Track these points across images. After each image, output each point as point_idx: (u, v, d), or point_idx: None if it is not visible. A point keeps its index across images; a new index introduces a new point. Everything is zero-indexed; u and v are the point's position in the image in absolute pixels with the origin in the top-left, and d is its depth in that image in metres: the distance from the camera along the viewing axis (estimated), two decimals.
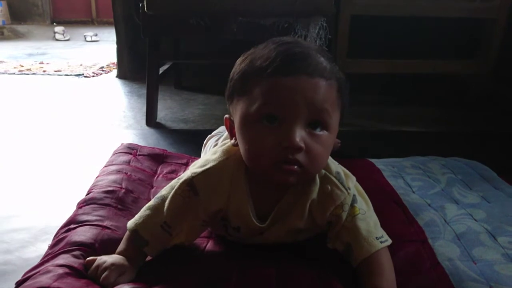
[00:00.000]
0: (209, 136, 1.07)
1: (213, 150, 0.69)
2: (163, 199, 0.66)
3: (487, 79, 1.89)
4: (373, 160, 1.12)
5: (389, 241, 0.66)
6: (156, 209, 0.66)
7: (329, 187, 0.64)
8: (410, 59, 1.89)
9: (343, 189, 0.64)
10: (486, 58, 1.86)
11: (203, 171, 0.64)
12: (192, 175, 0.64)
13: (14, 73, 2.53)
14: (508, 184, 0.99)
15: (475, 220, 0.82)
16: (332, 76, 0.60)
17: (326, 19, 1.45)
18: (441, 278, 0.66)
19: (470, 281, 0.65)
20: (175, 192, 0.65)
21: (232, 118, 0.65)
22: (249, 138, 0.59)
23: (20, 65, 2.79)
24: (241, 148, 0.61)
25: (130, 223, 0.67)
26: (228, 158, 0.65)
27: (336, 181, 0.64)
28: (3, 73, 2.54)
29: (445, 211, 0.86)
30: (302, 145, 0.56)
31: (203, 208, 0.64)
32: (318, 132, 0.59)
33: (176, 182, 0.66)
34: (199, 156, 1.08)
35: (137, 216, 0.67)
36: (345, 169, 0.69)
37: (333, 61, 0.62)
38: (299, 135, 0.56)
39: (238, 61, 0.64)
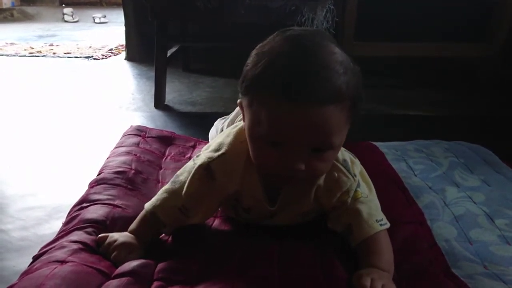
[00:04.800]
0: (219, 119, 1.09)
1: (226, 132, 0.70)
2: (181, 183, 0.67)
3: (495, 63, 1.87)
4: (377, 144, 1.13)
5: (388, 225, 0.68)
6: (174, 193, 0.68)
7: (336, 174, 0.66)
8: (417, 42, 1.88)
9: (349, 175, 0.66)
10: (494, 41, 1.84)
11: (219, 156, 0.65)
12: (209, 159, 0.65)
13: (25, 55, 2.57)
14: (510, 168, 1.00)
15: (474, 203, 0.84)
16: (346, 96, 0.55)
17: (334, 1, 1.44)
18: (438, 257, 0.69)
19: (465, 261, 0.67)
20: (192, 177, 0.66)
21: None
22: (254, 149, 0.60)
23: (30, 47, 2.82)
24: (249, 147, 0.62)
25: (148, 205, 0.69)
26: (242, 141, 0.65)
27: (343, 168, 0.66)
28: (14, 55, 2.57)
29: (445, 194, 0.88)
30: (303, 168, 0.57)
31: (219, 191, 0.67)
32: (323, 153, 0.58)
33: (192, 167, 0.67)
34: (206, 138, 1.11)
35: (154, 199, 0.69)
36: (351, 155, 0.70)
37: (350, 60, 0.57)
38: (301, 159, 0.57)
39: (254, 57, 0.59)
